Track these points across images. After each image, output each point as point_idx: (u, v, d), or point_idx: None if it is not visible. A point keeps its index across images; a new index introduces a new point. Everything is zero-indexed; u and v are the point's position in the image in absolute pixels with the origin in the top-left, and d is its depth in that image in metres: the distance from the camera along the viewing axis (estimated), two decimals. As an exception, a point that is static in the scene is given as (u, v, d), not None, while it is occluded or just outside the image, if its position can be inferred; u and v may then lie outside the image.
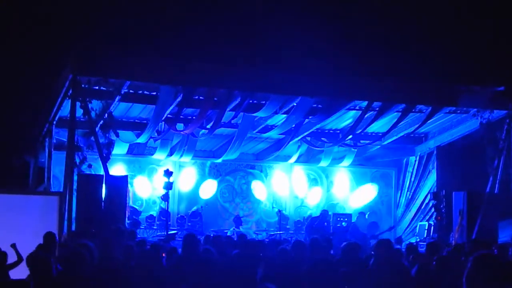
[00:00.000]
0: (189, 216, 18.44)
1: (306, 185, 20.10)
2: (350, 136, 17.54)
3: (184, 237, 8.80)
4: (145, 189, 18.49)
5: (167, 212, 15.53)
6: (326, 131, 18.31)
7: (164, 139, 17.42)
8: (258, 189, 19.61)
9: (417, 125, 16.69)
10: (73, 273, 5.92)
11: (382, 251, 7.04)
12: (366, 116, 15.79)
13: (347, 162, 19.76)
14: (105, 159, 13.27)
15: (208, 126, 15.99)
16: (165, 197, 14.67)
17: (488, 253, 4.12)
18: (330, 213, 18.52)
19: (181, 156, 18.16)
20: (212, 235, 12.33)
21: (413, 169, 19.90)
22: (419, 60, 17.13)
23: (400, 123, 16.39)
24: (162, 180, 14.60)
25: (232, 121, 16.55)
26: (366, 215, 18.73)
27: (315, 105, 15.63)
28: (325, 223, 17.50)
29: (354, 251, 7.70)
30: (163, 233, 15.97)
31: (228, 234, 16.35)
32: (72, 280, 5.92)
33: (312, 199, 19.94)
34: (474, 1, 18.69)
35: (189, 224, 18.14)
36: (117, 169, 17.33)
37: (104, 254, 7.72)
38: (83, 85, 13.00)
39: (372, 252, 7.96)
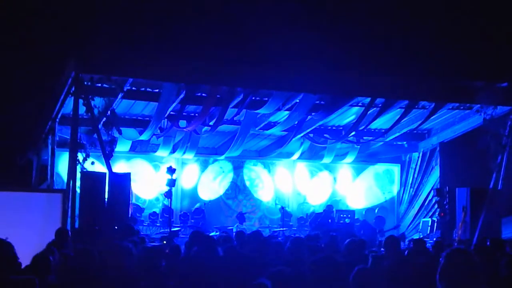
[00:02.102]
0: (192, 213, 18.47)
1: (309, 182, 20.12)
2: (353, 133, 17.51)
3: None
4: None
5: (170, 209, 15.52)
6: (329, 127, 18.30)
7: (167, 136, 17.41)
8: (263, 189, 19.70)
9: (420, 122, 16.65)
10: (80, 271, 5.83)
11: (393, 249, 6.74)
12: (369, 112, 15.77)
13: (350, 158, 19.74)
14: (108, 156, 13.26)
15: (211, 123, 15.98)
16: (168, 194, 14.67)
17: (460, 249, 4.11)
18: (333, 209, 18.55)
19: (184, 153, 18.15)
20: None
21: (416, 165, 19.88)
22: (422, 57, 17.06)
23: (403, 120, 16.36)
24: (165, 177, 14.60)
25: (235, 118, 16.55)
26: (376, 210, 19.20)
27: (317, 102, 15.60)
28: (329, 220, 17.47)
29: (358, 248, 7.64)
30: (166, 230, 15.96)
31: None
32: (77, 278, 5.84)
33: (316, 197, 19.99)
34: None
35: (192, 221, 18.16)
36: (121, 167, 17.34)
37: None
38: (85, 83, 12.99)
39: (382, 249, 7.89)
